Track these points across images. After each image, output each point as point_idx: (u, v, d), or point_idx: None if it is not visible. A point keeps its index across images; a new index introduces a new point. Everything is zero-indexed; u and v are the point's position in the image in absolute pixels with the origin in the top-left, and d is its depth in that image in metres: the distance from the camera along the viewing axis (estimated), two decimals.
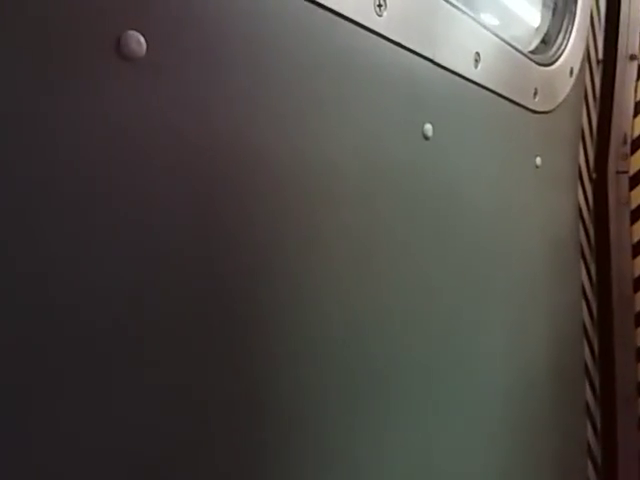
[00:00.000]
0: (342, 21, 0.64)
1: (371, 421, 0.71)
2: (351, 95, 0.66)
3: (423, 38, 0.74)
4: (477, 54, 0.87)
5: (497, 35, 0.96)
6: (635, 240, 1.49)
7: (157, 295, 0.48)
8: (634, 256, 1.49)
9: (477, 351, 0.95)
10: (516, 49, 1.04)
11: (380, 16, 0.66)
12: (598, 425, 1.55)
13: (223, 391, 0.53)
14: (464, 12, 0.84)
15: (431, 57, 0.77)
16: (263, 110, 0.57)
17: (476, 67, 0.88)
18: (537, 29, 1.27)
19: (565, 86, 1.24)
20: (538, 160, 1.13)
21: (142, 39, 0.45)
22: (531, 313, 1.16)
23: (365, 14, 0.65)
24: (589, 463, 1.49)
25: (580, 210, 1.39)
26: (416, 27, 0.73)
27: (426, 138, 0.78)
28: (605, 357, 1.53)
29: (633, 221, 1.49)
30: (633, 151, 1.48)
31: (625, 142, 1.47)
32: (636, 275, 1.50)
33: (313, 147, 0.62)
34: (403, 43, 0.70)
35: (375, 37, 0.67)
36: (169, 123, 0.48)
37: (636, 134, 1.47)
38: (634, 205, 1.49)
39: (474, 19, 0.87)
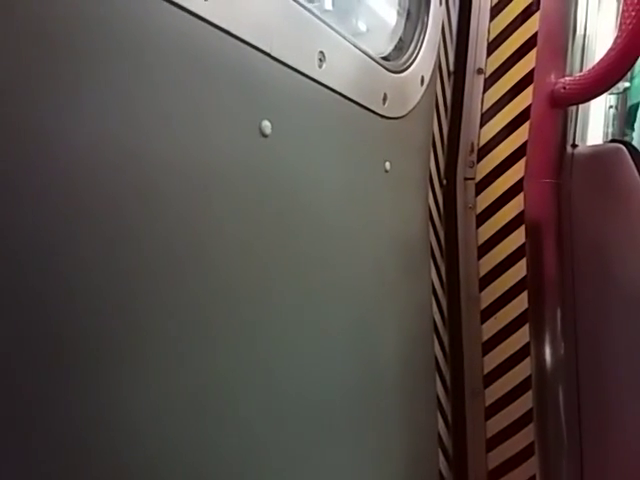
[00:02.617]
0: (166, 4, 0.60)
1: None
2: (177, 86, 0.62)
3: (258, 29, 0.72)
4: (321, 53, 0.87)
5: (345, 37, 0.97)
6: (480, 242, 1.59)
7: None
8: (479, 257, 1.59)
9: (323, 354, 0.95)
10: (365, 53, 1.06)
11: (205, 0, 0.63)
12: (449, 417, 1.64)
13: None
14: (307, 9, 0.84)
15: (268, 51, 0.75)
16: (77, 102, 0.52)
17: (320, 67, 0.87)
18: (391, 36, 1.31)
19: (416, 94, 1.29)
20: (387, 165, 1.16)
21: None
22: (381, 312, 1.19)
23: None
24: (440, 453, 1.57)
25: (431, 213, 1.46)
26: (248, 16, 0.71)
27: (264, 135, 0.76)
28: (454, 352, 1.63)
29: (479, 225, 1.59)
30: (479, 159, 1.58)
31: (472, 151, 1.57)
32: (481, 275, 1.60)
33: (136, 142, 0.58)
34: (233, 32, 0.68)
35: (201, 23, 0.64)
36: None
37: (482, 143, 1.57)
38: (479, 210, 1.59)
39: (318, 17, 0.87)
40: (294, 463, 0.87)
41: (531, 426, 1.59)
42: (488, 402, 1.65)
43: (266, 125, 0.76)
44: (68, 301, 0.52)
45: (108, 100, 0.55)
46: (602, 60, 1.34)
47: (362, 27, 1.51)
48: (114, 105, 0.55)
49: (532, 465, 1.60)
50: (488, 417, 1.65)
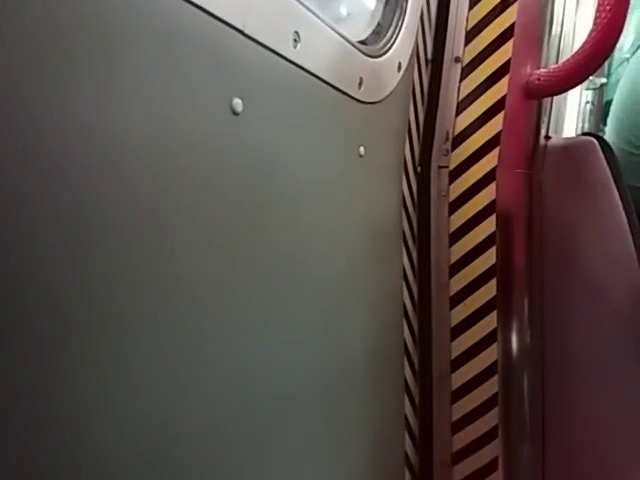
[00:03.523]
0: None
1: None
2: (144, 62, 0.62)
3: (232, 6, 0.72)
4: (296, 33, 0.87)
5: (321, 19, 0.97)
6: (452, 230, 1.62)
7: None
8: (450, 245, 1.62)
9: (291, 339, 0.96)
10: (342, 36, 1.06)
11: None
12: (416, 400, 1.67)
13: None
14: None
15: (241, 28, 0.74)
16: (33, 78, 0.51)
17: (295, 47, 0.87)
18: (370, 20, 1.31)
19: (392, 80, 1.29)
20: (362, 149, 1.16)
21: None
22: (351, 298, 1.20)
23: None
24: (406, 435, 1.60)
25: (404, 200, 1.47)
26: None
27: (235, 113, 0.76)
28: (424, 337, 1.65)
29: (451, 212, 1.61)
30: (454, 148, 1.60)
31: (447, 139, 1.59)
32: (452, 262, 1.63)
33: (99, 121, 0.57)
34: (205, 7, 0.67)
35: None
36: None
37: (457, 132, 1.59)
38: (452, 198, 1.61)
39: None
40: (261, 450, 0.87)
41: (495, 410, 1.63)
42: (455, 386, 1.69)
43: (237, 103, 0.76)
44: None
45: (63, 74, 0.53)
46: (577, 53, 1.36)
47: (343, 11, 1.51)
48: (70, 80, 0.54)
49: (495, 448, 1.64)
50: (454, 401, 1.69)
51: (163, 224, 0.66)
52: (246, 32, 0.75)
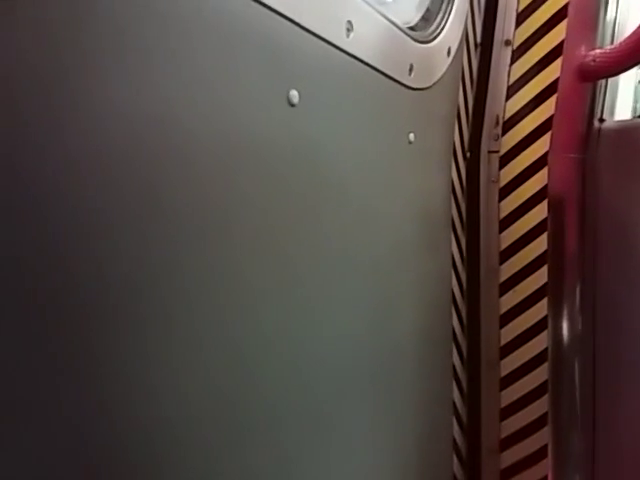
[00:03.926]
0: None
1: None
2: (204, 55, 0.64)
3: None
4: (349, 23, 0.87)
5: (371, 6, 0.97)
6: (502, 216, 1.60)
7: None
8: (500, 231, 1.60)
9: (343, 322, 0.97)
10: (392, 23, 1.06)
11: None
12: (464, 387, 1.67)
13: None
14: None
15: (297, 20, 0.76)
16: (102, 69, 0.52)
17: (348, 36, 0.88)
18: (418, 6, 1.30)
19: (442, 65, 1.28)
20: (412, 136, 1.17)
21: None
22: (401, 283, 1.21)
23: None
24: (454, 422, 1.60)
25: (453, 186, 1.46)
26: None
27: (292, 105, 0.78)
28: (472, 324, 1.65)
29: (501, 198, 1.59)
30: (504, 132, 1.57)
31: (497, 123, 1.57)
32: (502, 249, 1.61)
33: (162, 112, 0.59)
34: (263, 1, 0.69)
35: None
36: None
37: (507, 116, 1.57)
38: (503, 183, 1.59)
39: None
40: (315, 431, 0.90)
41: (545, 398, 1.62)
42: (503, 373, 1.68)
43: (294, 95, 0.77)
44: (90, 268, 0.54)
45: (133, 70, 0.55)
46: (634, 33, 1.31)
47: None
48: (139, 75, 0.56)
49: (544, 435, 1.63)
50: (503, 387, 1.68)
51: (226, 211, 0.68)
52: (302, 23, 0.76)
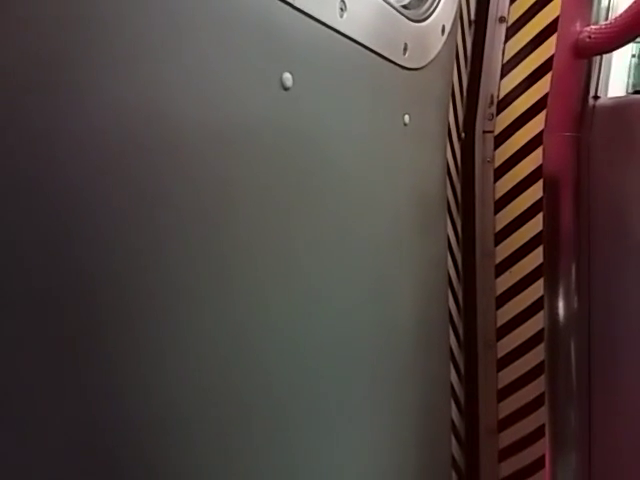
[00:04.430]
0: None
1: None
2: (196, 38, 0.61)
3: None
4: (342, 2, 0.85)
5: None
6: (497, 197, 1.58)
7: None
8: (495, 212, 1.59)
9: (340, 304, 0.97)
10: (386, 1, 1.03)
11: None
12: (461, 368, 1.67)
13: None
14: None
15: (290, 1, 0.73)
16: (96, 52, 0.51)
17: (341, 16, 0.85)
18: None
19: (436, 44, 1.26)
20: (406, 117, 1.14)
21: None
22: (396, 265, 1.20)
23: None
24: (452, 403, 1.61)
25: (448, 167, 1.45)
26: None
27: (285, 88, 0.75)
28: (468, 306, 1.64)
29: (496, 179, 1.58)
30: (499, 112, 1.55)
31: (492, 103, 1.54)
32: (497, 230, 1.60)
33: (154, 96, 0.57)
34: None
35: None
36: None
37: (502, 95, 1.54)
38: (498, 164, 1.57)
39: None
40: (312, 413, 0.89)
41: (542, 378, 1.62)
42: (500, 354, 1.68)
43: (287, 77, 0.75)
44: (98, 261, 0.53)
45: (125, 57, 0.54)
46: (630, 8, 1.29)
47: None
48: (132, 62, 0.55)
49: (541, 415, 1.64)
50: (500, 368, 1.68)
51: (220, 196, 0.67)
52: (295, 4, 0.74)
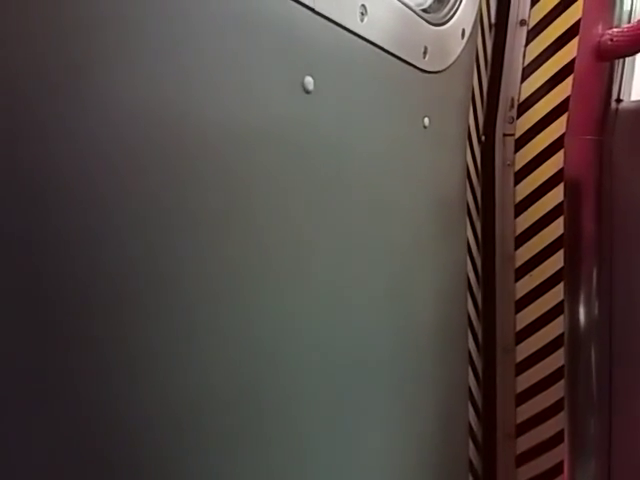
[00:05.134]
0: None
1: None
2: (219, 43, 0.63)
3: None
4: (363, 7, 0.86)
5: None
6: (517, 200, 1.58)
7: None
8: (516, 216, 1.58)
9: (358, 306, 0.97)
10: (406, 5, 1.04)
11: None
12: (479, 372, 1.66)
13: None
14: None
15: (311, 5, 0.74)
16: (122, 57, 0.52)
17: (362, 20, 0.86)
18: None
19: (456, 47, 1.26)
20: (426, 120, 1.15)
21: None
22: (416, 268, 1.20)
23: None
24: (470, 407, 1.60)
25: (468, 170, 1.44)
26: None
27: (307, 92, 0.76)
28: (487, 310, 1.64)
29: (516, 182, 1.57)
30: (519, 115, 1.54)
31: (512, 106, 1.54)
32: (517, 233, 1.59)
33: (178, 100, 0.59)
34: None
35: None
36: None
37: (523, 98, 1.54)
38: (518, 167, 1.57)
39: None
40: (332, 415, 0.90)
41: (561, 383, 1.61)
42: (519, 358, 1.67)
43: (309, 81, 0.76)
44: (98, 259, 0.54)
45: (151, 59, 0.55)
46: None
47: None
48: (156, 64, 0.56)
49: (560, 420, 1.62)
50: (519, 373, 1.67)
51: (242, 198, 0.68)
52: (317, 9, 0.75)
